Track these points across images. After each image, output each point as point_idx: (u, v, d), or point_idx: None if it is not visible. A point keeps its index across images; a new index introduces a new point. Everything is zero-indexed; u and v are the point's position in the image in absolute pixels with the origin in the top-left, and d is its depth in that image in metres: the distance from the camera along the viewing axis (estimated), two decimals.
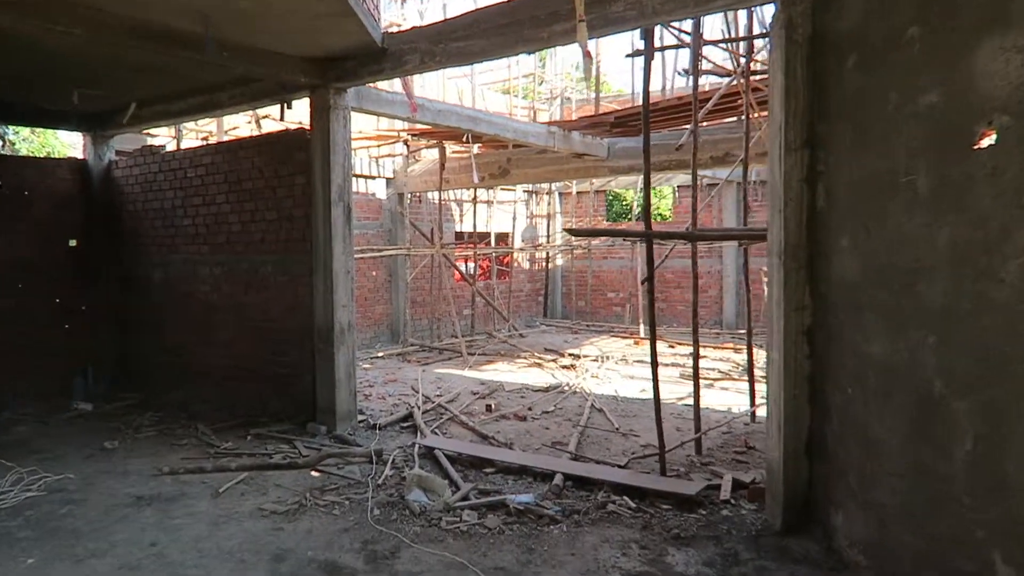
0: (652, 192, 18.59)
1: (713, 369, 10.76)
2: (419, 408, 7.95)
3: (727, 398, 8.79)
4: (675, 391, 9.24)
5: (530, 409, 8.17)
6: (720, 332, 14.94)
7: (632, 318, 16.27)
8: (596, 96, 11.51)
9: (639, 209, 17.50)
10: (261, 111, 10.39)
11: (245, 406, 7.81)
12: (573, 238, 17.59)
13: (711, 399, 8.65)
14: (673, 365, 11.23)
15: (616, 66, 45.22)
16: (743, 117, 10.28)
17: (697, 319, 6.58)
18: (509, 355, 12.19)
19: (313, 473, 5.84)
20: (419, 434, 6.94)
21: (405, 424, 7.41)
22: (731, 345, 12.96)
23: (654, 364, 5.73)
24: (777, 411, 4.47)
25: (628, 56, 6.70)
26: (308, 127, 7.14)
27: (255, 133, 10.26)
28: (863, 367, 3.76)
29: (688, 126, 10.30)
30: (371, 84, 7.29)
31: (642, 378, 10.18)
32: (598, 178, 13.81)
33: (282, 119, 7.49)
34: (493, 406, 8.14)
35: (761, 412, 7.67)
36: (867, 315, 3.71)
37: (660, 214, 21.43)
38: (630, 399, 8.76)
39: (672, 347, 13.23)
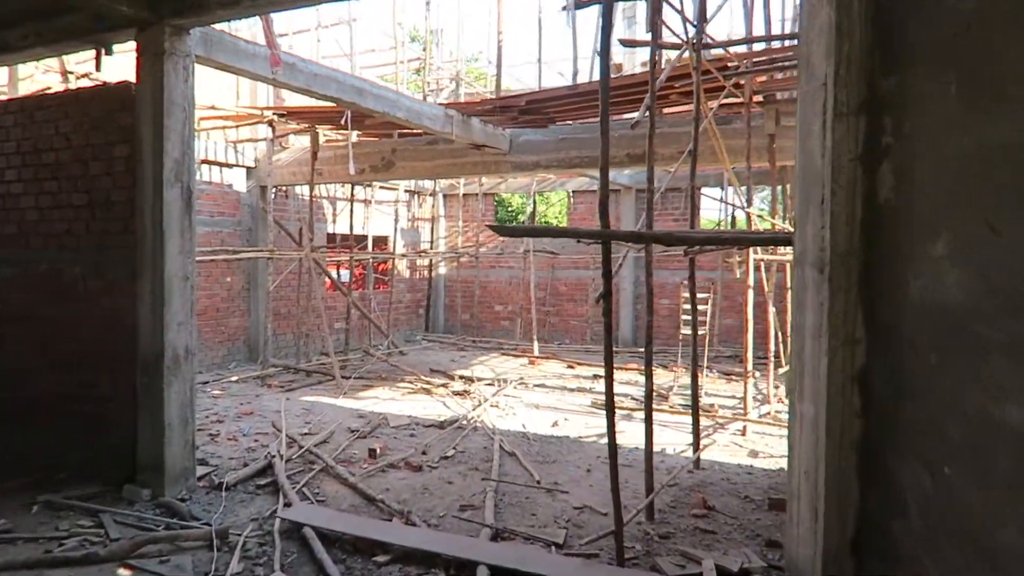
0: (538, 199, 17.01)
1: (625, 395, 9.54)
2: (282, 456, 6.16)
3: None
4: (590, 424, 7.91)
5: (425, 454, 6.56)
6: (618, 350, 13.85)
7: (523, 333, 14.94)
8: (498, 76, 10.03)
9: (528, 215, 16.24)
10: (75, 64, 8.22)
11: (39, 458, 5.75)
12: (459, 244, 16.10)
13: (634, 435, 7.38)
14: (580, 391, 9.94)
15: (510, 59, 44.29)
16: (664, 110, 9.19)
17: (651, 343, 5.22)
18: (391, 378, 10.49)
19: (122, 572, 4.00)
20: (282, 497, 5.18)
21: (263, 481, 5.61)
22: (635, 366, 11.85)
23: (610, 408, 4.29)
24: (811, 489, 3.15)
25: (564, 9, 5.29)
26: (135, 81, 5.27)
27: None
28: (985, 439, 2.47)
29: (627, 115, 9.08)
30: (225, 27, 5.50)
31: (548, 407, 8.80)
32: (498, 175, 12.38)
33: (98, 68, 5.54)
34: (378, 450, 6.48)
35: (708, 456, 6.45)
36: (997, 361, 2.42)
37: (546, 222, 20.32)
38: (543, 437, 7.32)
39: (572, 367, 11.98)
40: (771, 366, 8.44)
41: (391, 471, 6.02)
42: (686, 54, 6.16)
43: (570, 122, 9.74)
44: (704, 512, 5.07)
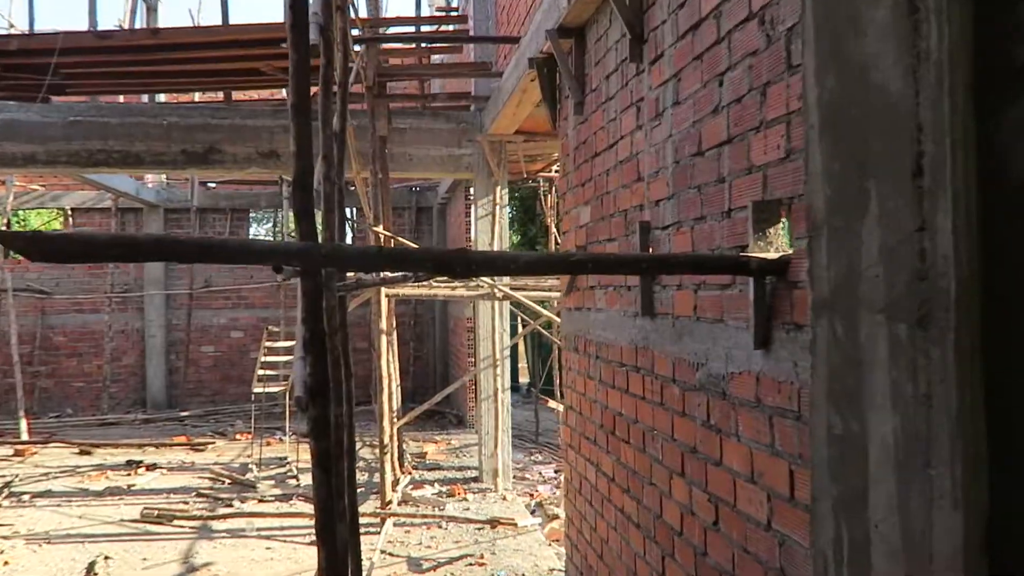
0: (13, 218, 12.45)
1: (188, 492, 6.72)
2: None
3: (255, 557, 5.07)
4: (151, 560, 5.07)
5: None
6: (150, 416, 10.55)
7: (1, 407, 10.50)
8: None
9: None
10: None
11: None
12: None
13: (230, 566, 4.87)
14: (113, 494, 6.75)
15: None
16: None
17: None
18: None
19: None
20: None
21: None
22: (184, 439, 8.91)
23: None
24: None
25: None
26: None
27: None
28: None
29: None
30: None
31: (70, 535, 5.59)
32: None
33: None
34: None
35: None
36: None
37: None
38: None
39: (87, 453, 8.45)
40: (390, 421, 6.64)
41: None
42: None
43: (86, 99, 6.62)
44: None
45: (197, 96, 9.08)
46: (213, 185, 11.24)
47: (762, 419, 2.10)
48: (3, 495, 6.60)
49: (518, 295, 5.86)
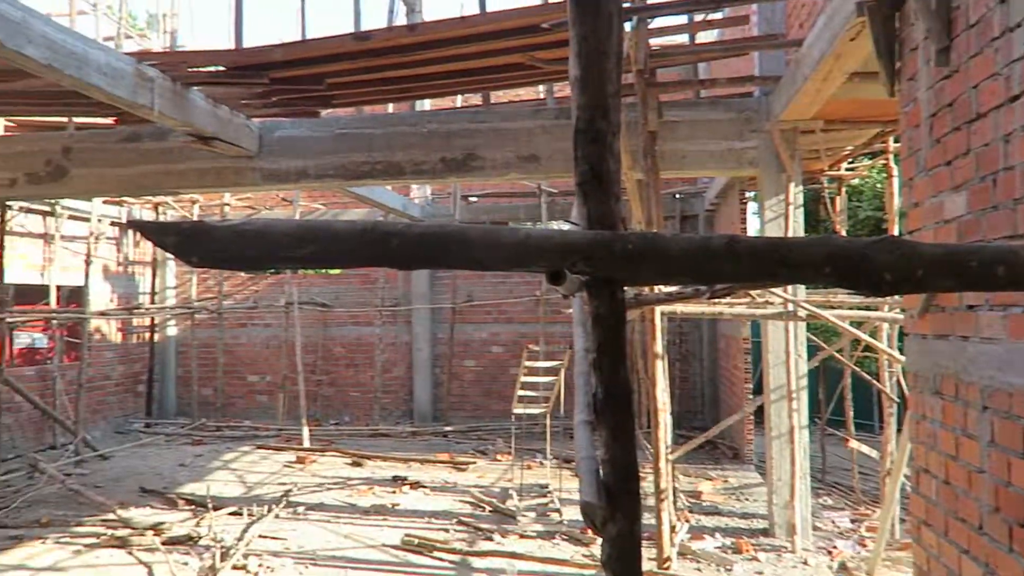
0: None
1: (448, 517, 6.40)
2: None
3: None
4: None
5: None
6: (416, 429, 10.69)
7: (288, 411, 11.25)
8: (238, 8, 6.04)
9: None
10: None
11: None
12: (194, 299, 12.06)
13: None
14: (378, 513, 6.61)
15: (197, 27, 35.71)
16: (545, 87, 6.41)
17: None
18: (61, 519, 6.42)
19: None
20: None
21: None
22: (447, 456, 8.77)
23: None
24: None
25: None
26: None
27: None
28: None
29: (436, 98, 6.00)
30: None
31: (333, 558, 5.41)
32: (238, 189, 8.75)
33: None
34: None
35: None
36: None
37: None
38: None
39: (359, 464, 8.59)
40: (666, 460, 5.76)
41: None
42: None
43: (352, 111, 6.61)
44: None
45: (459, 101, 8.99)
46: (474, 199, 11.18)
47: None
48: (282, 505, 6.75)
49: (826, 314, 4.71)
